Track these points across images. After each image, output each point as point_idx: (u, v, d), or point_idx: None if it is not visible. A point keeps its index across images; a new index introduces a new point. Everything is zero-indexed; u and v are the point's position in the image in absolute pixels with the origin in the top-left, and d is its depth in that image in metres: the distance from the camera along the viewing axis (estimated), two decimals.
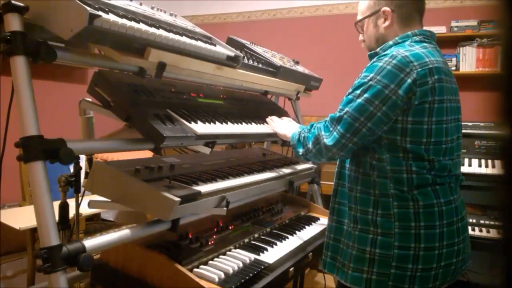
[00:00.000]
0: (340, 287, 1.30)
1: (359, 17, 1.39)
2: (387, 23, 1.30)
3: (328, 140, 1.23)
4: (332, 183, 1.39)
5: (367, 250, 1.21)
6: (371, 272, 1.19)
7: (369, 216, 1.23)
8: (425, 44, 1.24)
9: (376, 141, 1.21)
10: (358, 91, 1.19)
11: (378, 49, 1.31)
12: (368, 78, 1.17)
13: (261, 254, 1.39)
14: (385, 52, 1.22)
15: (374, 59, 1.22)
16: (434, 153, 1.19)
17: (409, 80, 1.13)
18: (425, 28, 1.31)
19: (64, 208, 1.38)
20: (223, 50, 1.41)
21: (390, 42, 1.28)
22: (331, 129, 1.23)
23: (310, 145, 1.30)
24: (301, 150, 1.36)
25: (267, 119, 1.68)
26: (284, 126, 1.60)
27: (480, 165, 2.72)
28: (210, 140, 1.27)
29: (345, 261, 1.27)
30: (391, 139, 1.19)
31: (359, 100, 1.17)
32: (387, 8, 1.29)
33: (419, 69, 1.14)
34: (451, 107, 1.23)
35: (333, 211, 1.37)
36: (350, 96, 1.21)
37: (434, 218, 1.18)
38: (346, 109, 1.20)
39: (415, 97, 1.14)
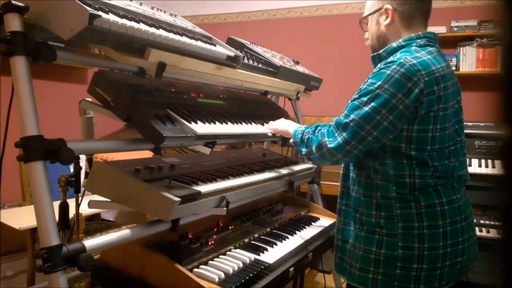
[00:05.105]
0: None
1: (364, 14, 1.38)
2: (388, 21, 1.28)
3: (332, 146, 1.22)
4: (332, 183, 1.40)
5: (373, 251, 1.21)
6: (377, 272, 1.20)
7: (372, 219, 1.23)
8: (430, 49, 1.22)
9: (381, 147, 1.21)
10: (364, 99, 1.17)
11: (381, 51, 1.29)
12: (376, 86, 1.16)
13: (261, 254, 1.39)
14: (392, 59, 1.20)
15: (381, 65, 1.21)
16: (438, 159, 1.19)
17: (416, 90, 1.12)
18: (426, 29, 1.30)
19: (64, 208, 1.39)
20: (223, 50, 1.41)
21: (394, 45, 1.26)
22: (336, 134, 1.22)
23: (313, 149, 1.29)
24: (304, 150, 1.35)
25: (266, 125, 1.66)
26: (284, 123, 1.60)
27: (480, 165, 2.72)
28: (210, 140, 1.27)
29: (352, 261, 1.28)
30: (395, 146, 1.18)
31: (366, 109, 1.16)
32: (389, 6, 1.28)
33: (426, 78, 1.13)
34: (454, 110, 1.23)
35: (340, 213, 1.37)
36: (356, 103, 1.20)
37: (436, 218, 1.18)
38: (352, 116, 1.18)
39: (422, 107, 1.14)
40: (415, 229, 1.17)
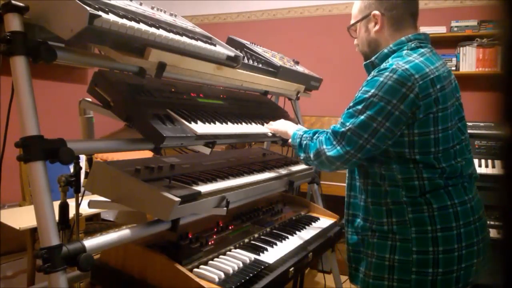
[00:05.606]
0: None
1: (351, 22, 1.37)
2: (377, 27, 1.28)
3: (330, 154, 1.21)
4: (332, 183, 1.39)
5: (386, 257, 1.20)
6: (392, 279, 1.19)
7: (384, 226, 1.22)
8: (422, 50, 1.21)
9: (384, 153, 1.20)
10: (359, 107, 1.17)
11: (373, 58, 1.29)
12: (370, 94, 1.15)
13: (261, 254, 1.39)
14: (384, 65, 1.19)
15: (374, 73, 1.20)
16: (444, 159, 1.18)
17: (412, 95, 1.12)
18: (424, 28, 1.29)
19: (64, 208, 1.38)
20: (223, 50, 1.41)
21: (385, 50, 1.26)
22: (334, 142, 1.21)
23: (311, 156, 1.29)
24: (302, 155, 1.35)
25: (265, 125, 1.66)
26: (283, 124, 1.59)
27: (480, 165, 2.72)
28: (210, 140, 1.27)
29: (366, 270, 1.26)
30: (399, 152, 1.18)
31: (362, 117, 1.16)
32: (376, 12, 1.27)
33: (420, 82, 1.13)
34: (455, 109, 1.22)
35: (348, 223, 1.37)
36: (351, 111, 1.19)
37: (450, 220, 1.16)
38: (349, 125, 1.18)
39: (419, 111, 1.13)
40: (428, 232, 1.16)
